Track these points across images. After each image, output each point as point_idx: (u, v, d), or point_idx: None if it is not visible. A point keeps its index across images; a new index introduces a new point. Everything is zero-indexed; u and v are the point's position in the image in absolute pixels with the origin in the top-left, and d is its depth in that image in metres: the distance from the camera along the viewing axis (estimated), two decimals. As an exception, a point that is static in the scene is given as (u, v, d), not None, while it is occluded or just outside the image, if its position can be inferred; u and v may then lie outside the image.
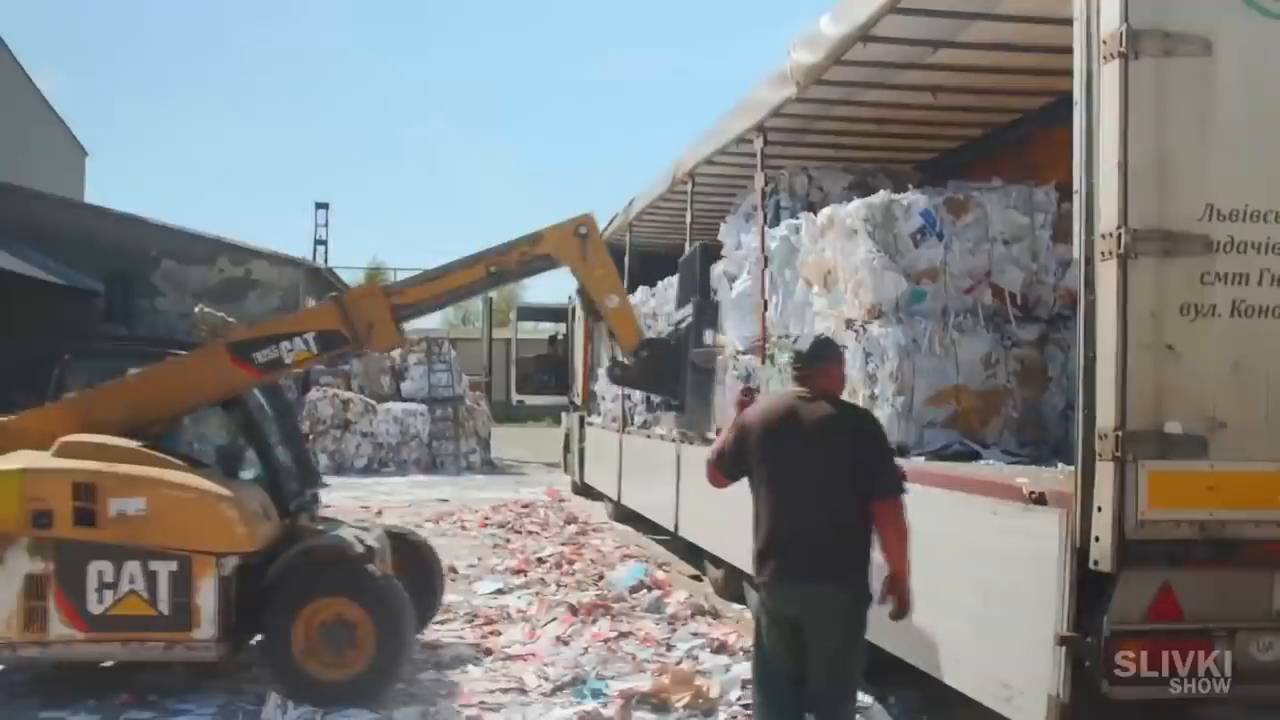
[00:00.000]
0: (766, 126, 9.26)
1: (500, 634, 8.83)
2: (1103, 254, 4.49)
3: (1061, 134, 8.01)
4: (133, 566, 6.64)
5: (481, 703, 7.02)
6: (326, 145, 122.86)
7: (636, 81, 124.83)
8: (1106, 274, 4.47)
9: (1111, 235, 4.44)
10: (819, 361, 5.08)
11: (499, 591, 10.58)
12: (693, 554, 11.68)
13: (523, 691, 7.26)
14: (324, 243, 42.99)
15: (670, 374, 7.11)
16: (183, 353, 7.85)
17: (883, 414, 6.83)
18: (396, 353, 27.16)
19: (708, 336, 6.88)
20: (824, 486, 4.81)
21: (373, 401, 25.09)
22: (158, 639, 6.70)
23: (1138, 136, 4.43)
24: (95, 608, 6.64)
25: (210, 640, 6.70)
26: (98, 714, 6.75)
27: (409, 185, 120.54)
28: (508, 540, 14.09)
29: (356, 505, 17.65)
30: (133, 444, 6.95)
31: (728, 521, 9.55)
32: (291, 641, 6.81)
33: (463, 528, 15.39)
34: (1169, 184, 4.46)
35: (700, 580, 11.08)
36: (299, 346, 7.29)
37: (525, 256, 7.33)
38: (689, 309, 7.16)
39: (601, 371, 16.86)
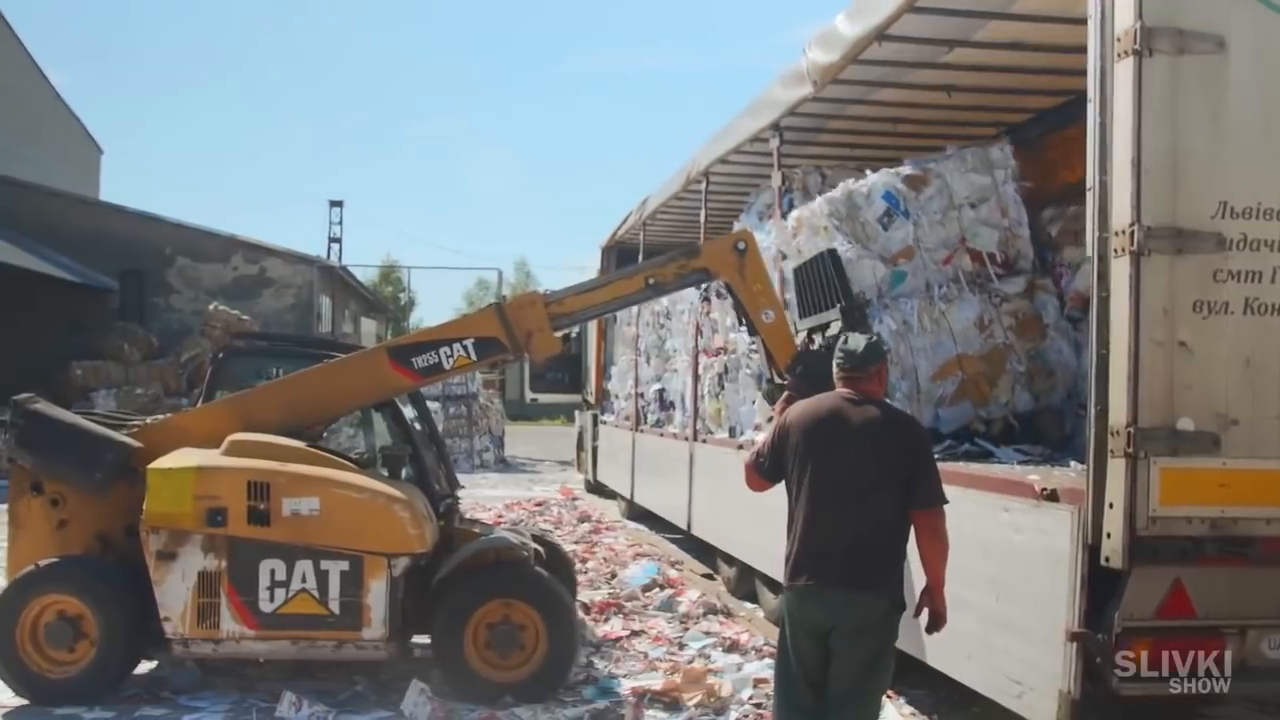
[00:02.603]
0: (782, 125, 9.26)
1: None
2: (1116, 251, 4.50)
3: (1075, 132, 8.06)
4: (304, 565, 6.72)
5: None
6: (340, 143, 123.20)
7: (652, 77, 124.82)
8: (1119, 271, 4.47)
9: (1125, 232, 4.44)
10: (871, 363, 4.97)
11: (512, 589, 10.59)
12: (705, 553, 11.69)
13: (535, 689, 7.27)
14: (338, 240, 43.20)
15: (829, 385, 7.02)
16: (340, 354, 7.93)
17: (893, 402, 6.78)
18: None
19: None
20: (866, 492, 4.70)
21: (386, 400, 25.09)
22: (328, 637, 6.80)
23: (1151, 134, 4.43)
24: (266, 605, 6.74)
25: (380, 640, 6.78)
26: (112, 710, 6.76)
27: (421, 182, 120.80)
28: (521, 538, 14.08)
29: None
30: (300, 444, 7.06)
31: (740, 520, 9.60)
32: (464, 642, 6.90)
33: (475, 525, 15.38)
34: (1182, 181, 4.46)
35: (713, 579, 11.09)
36: (459, 352, 7.33)
37: (683, 269, 7.40)
38: (831, 315, 7.06)
39: (614, 370, 16.91)
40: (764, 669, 7.44)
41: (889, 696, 6.70)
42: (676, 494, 11.93)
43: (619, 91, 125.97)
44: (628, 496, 15.52)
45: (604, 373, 17.72)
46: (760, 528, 8.65)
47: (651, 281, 7.44)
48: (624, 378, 16.11)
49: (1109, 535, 4.42)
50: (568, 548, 12.75)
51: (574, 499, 18.40)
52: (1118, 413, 4.44)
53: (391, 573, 6.75)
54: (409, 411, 8.22)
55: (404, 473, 7.51)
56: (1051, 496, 4.88)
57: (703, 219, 11.75)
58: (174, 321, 27.38)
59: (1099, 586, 4.53)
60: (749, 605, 9.78)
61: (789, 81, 8.82)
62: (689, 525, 11.65)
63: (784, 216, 9.57)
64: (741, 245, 7.31)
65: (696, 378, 11.45)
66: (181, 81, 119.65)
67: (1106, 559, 4.44)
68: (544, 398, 24.43)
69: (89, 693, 6.80)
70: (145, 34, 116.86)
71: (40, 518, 7.11)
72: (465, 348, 7.33)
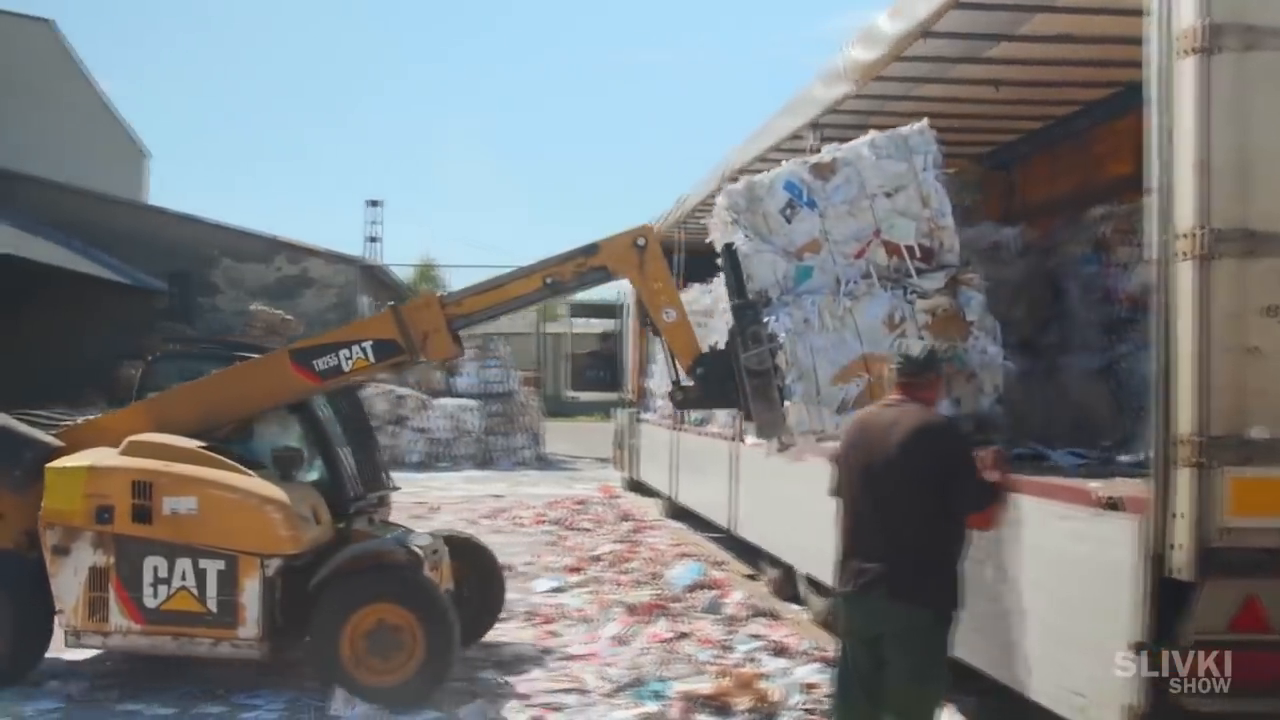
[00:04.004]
0: (821, 124, 9.15)
1: (559, 634, 8.83)
2: (1179, 254, 4.37)
3: (1124, 125, 7.93)
4: (184, 563, 6.86)
5: (544, 703, 7.02)
6: (377, 143, 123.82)
7: (690, 72, 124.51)
8: (1183, 275, 4.35)
9: (1189, 235, 4.32)
10: (929, 371, 4.95)
11: (556, 590, 10.58)
12: (748, 553, 11.60)
13: (583, 692, 7.24)
14: (377, 240, 43.40)
15: (730, 386, 6.79)
16: (254, 356, 7.93)
17: (792, 406, 6.65)
18: (449, 348, 27.28)
19: (756, 337, 6.62)
20: (901, 499, 4.67)
21: (427, 397, 25.22)
22: (206, 635, 6.89)
23: (1219, 133, 4.29)
24: (150, 601, 6.90)
25: (254, 639, 6.86)
26: (172, 708, 6.89)
27: (458, 181, 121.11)
28: (563, 537, 14.11)
29: (412, 501, 17.77)
30: (193, 444, 7.12)
31: (785, 521, 9.52)
32: (339, 646, 6.86)
33: (518, 524, 15.43)
34: (1252, 182, 4.32)
35: (756, 580, 11.00)
36: (357, 354, 7.29)
37: (582, 268, 7.19)
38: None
39: (655, 368, 16.83)
40: (813, 673, 7.38)
41: (944, 705, 6.64)
42: (719, 494, 11.86)
43: (656, 88, 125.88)
44: (668, 495, 15.45)
45: (644, 370, 17.65)
46: (805, 529, 8.58)
47: (549, 281, 7.22)
48: (664, 376, 16.01)
49: (1177, 547, 4.30)
50: (609, 546, 12.82)
51: (614, 497, 18.38)
52: (1183, 421, 4.31)
53: (265, 573, 6.83)
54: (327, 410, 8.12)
55: (316, 474, 7.69)
56: (1113, 505, 4.76)
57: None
58: (219, 321, 27.67)
59: (1165, 598, 4.41)
60: (794, 607, 9.69)
61: (828, 79, 8.72)
62: (732, 525, 11.57)
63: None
64: (641, 241, 7.05)
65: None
66: (223, 86, 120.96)
67: (1173, 571, 4.33)
68: (583, 395, 24.46)
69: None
70: (188, 41, 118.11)
71: None
72: (364, 350, 7.29)
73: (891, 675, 4.69)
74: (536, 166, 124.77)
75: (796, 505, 8.86)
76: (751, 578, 11.14)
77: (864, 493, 4.80)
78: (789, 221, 6.90)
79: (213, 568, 6.85)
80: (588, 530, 14.70)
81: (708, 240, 7.70)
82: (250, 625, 6.85)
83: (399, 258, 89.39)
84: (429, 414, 24.86)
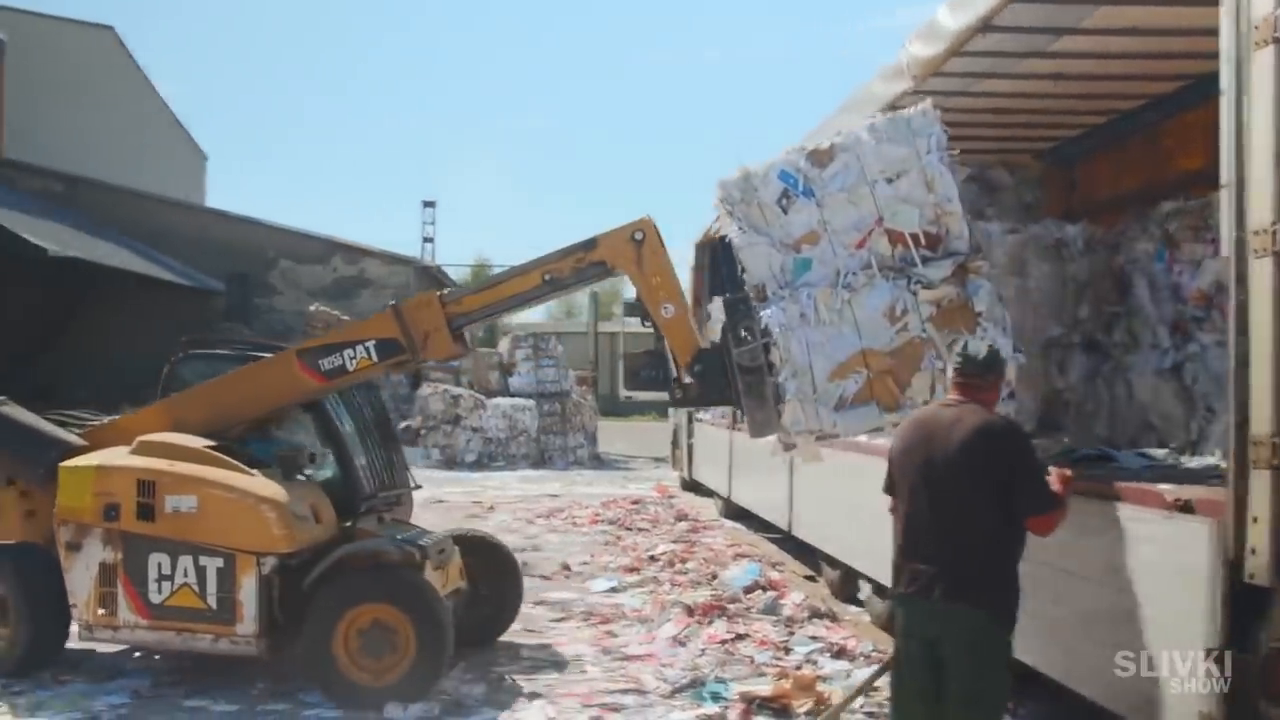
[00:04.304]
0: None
1: (616, 634, 8.83)
2: (1255, 251, 4.26)
3: (1193, 118, 7.76)
4: (186, 561, 7.03)
5: (603, 704, 7.01)
6: (431, 144, 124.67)
7: (750, 66, 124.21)
8: (1260, 273, 4.24)
9: (1265, 231, 4.20)
10: (990, 373, 4.90)
11: (613, 590, 10.59)
12: (806, 554, 11.53)
13: (642, 693, 7.23)
14: (431, 240, 43.67)
15: (725, 383, 6.66)
16: (266, 355, 8.01)
17: (787, 404, 6.41)
18: (504, 347, 27.43)
19: (748, 332, 6.48)
20: (958, 501, 4.63)
21: (482, 396, 25.34)
22: (206, 631, 7.05)
23: (1299, 126, 4.17)
24: (155, 597, 7.09)
25: (251, 636, 6.99)
26: (237, 704, 6.99)
27: (512, 180, 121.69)
28: (619, 537, 14.13)
29: (468, 500, 17.90)
30: (199, 444, 7.29)
31: (844, 522, 9.44)
32: (332, 644, 6.91)
33: (574, 524, 15.46)
34: (1332, 175, 4.20)
35: (815, 581, 10.92)
36: (360, 354, 7.36)
37: (580, 263, 7.09)
38: (715, 308, 6.74)
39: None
40: (873, 676, 7.30)
41: (1009, 710, 6.55)
42: (776, 494, 11.79)
43: (710, 86, 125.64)
44: (725, 495, 15.39)
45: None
46: (864, 530, 8.50)
47: (548, 277, 7.15)
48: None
49: (1254, 551, 4.20)
50: (666, 546, 12.80)
51: (670, 497, 18.35)
52: (1261, 421, 4.20)
53: (261, 571, 6.95)
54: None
55: (329, 473, 7.81)
56: (1186, 508, 4.65)
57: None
58: (277, 322, 28.02)
59: (1241, 603, 4.31)
60: (853, 609, 9.61)
61: (887, 76, 8.63)
62: (790, 526, 11.50)
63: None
64: (639, 235, 6.93)
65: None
66: (279, 87, 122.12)
67: (1252, 576, 4.22)
68: (637, 395, 24.43)
69: (17, 669, 7.35)
70: (244, 43, 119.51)
71: (12, 507, 7.69)
72: (367, 349, 7.35)
73: (952, 679, 4.62)
74: (591, 166, 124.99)
75: (856, 505, 8.77)
76: (810, 579, 11.08)
77: (922, 493, 4.75)
78: (785, 212, 6.56)
79: (212, 565, 7.00)
80: (644, 530, 14.71)
81: (716, 232, 7.50)
82: (248, 622, 6.98)
83: (454, 258, 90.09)
84: (484, 413, 24.97)
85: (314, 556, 7.11)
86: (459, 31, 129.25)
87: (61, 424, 7.95)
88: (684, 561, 11.86)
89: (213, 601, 7.00)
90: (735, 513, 15.09)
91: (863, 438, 8.60)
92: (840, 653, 8.05)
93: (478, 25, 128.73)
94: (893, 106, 8.71)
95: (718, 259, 17.41)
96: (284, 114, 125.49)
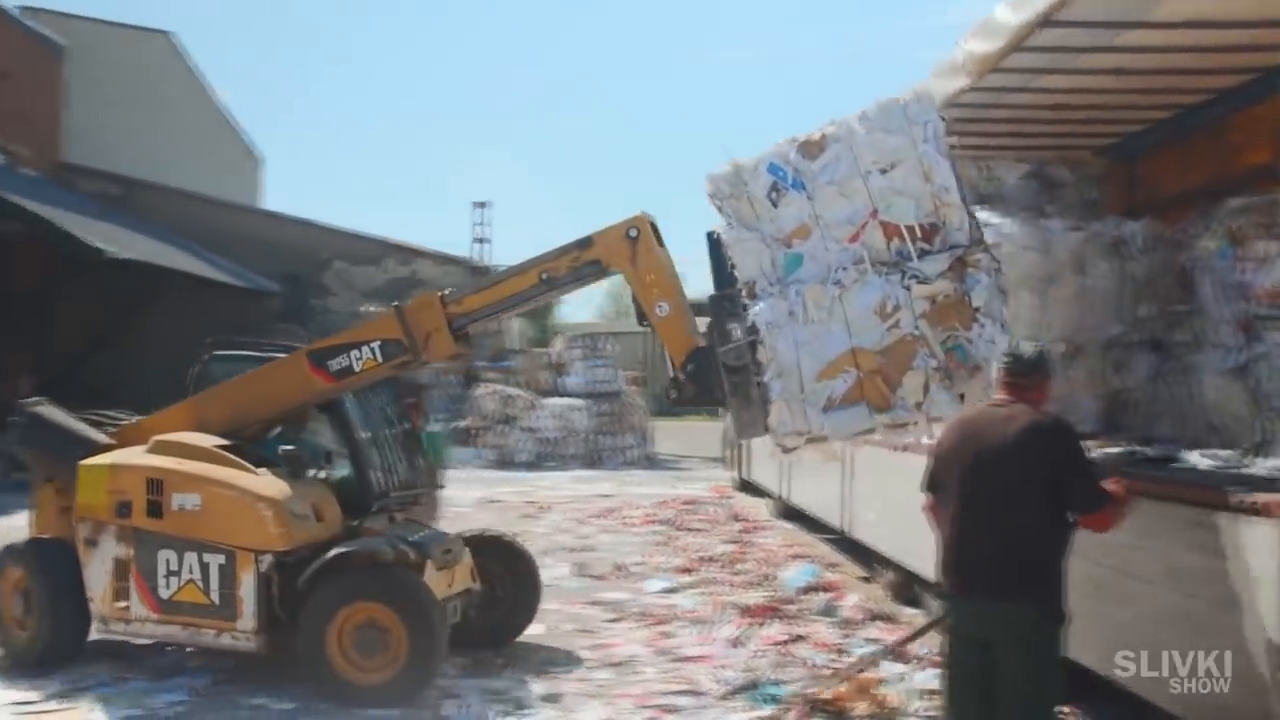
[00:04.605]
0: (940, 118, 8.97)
1: (672, 635, 8.79)
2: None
3: (1261, 111, 7.60)
4: (191, 557, 7.21)
5: (659, 704, 6.99)
6: (484, 144, 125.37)
7: (797, 65, 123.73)
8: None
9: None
10: (1037, 373, 4.87)
11: (668, 590, 10.56)
12: (862, 555, 11.42)
13: (698, 694, 7.20)
14: (485, 241, 43.81)
15: (715, 382, 6.49)
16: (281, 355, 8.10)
17: (773, 404, 6.21)
18: (557, 348, 27.49)
19: (734, 331, 6.30)
20: (1008, 500, 4.59)
21: (535, 397, 25.41)
22: (210, 626, 7.22)
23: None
24: (164, 592, 7.29)
25: (250, 631, 7.12)
26: (294, 702, 7.04)
27: (562, 179, 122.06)
28: (673, 537, 14.10)
29: (521, 500, 17.96)
30: (209, 443, 7.48)
31: (901, 523, 9.34)
32: (326, 642, 6.96)
33: (627, 524, 15.46)
34: None
35: (872, 582, 10.82)
36: (366, 355, 7.40)
37: (576, 262, 7.01)
38: (702, 305, 6.61)
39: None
40: (933, 679, 7.21)
41: (1066, 713, 6.45)
42: (832, 494, 11.71)
43: (759, 81, 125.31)
44: (779, 496, 15.31)
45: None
46: (922, 531, 8.38)
47: (545, 276, 7.09)
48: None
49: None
50: (721, 547, 12.77)
51: (724, 497, 18.29)
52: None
53: (259, 568, 7.08)
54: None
55: (343, 472, 7.94)
56: (1255, 511, 4.55)
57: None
58: (331, 322, 28.21)
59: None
60: (910, 611, 9.51)
61: (944, 73, 8.52)
62: (845, 527, 11.42)
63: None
64: (634, 232, 6.80)
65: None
66: (331, 91, 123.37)
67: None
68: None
69: (40, 660, 7.59)
70: (297, 47, 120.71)
71: (50, 502, 7.98)
72: (372, 350, 7.38)
73: (1003, 678, 4.59)
74: (639, 166, 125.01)
75: (913, 506, 8.67)
76: (866, 580, 10.97)
77: (970, 492, 4.72)
78: (775, 206, 6.31)
79: (214, 562, 7.16)
80: (698, 530, 14.67)
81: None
82: (247, 618, 7.11)
83: (508, 259, 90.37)
84: (537, 414, 25.06)
85: (313, 555, 7.16)
86: (511, 32, 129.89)
87: (96, 424, 8.14)
88: (739, 562, 11.82)
89: (215, 597, 7.16)
90: (789, 513, 15.01)
91: (923, 438, 8.53)
92: (898, 655, 7.94)
93: (529, 26, 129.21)
94: (949, 104, 8.63)
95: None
96: (336, 116, 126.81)
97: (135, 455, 7.55)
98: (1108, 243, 8.33)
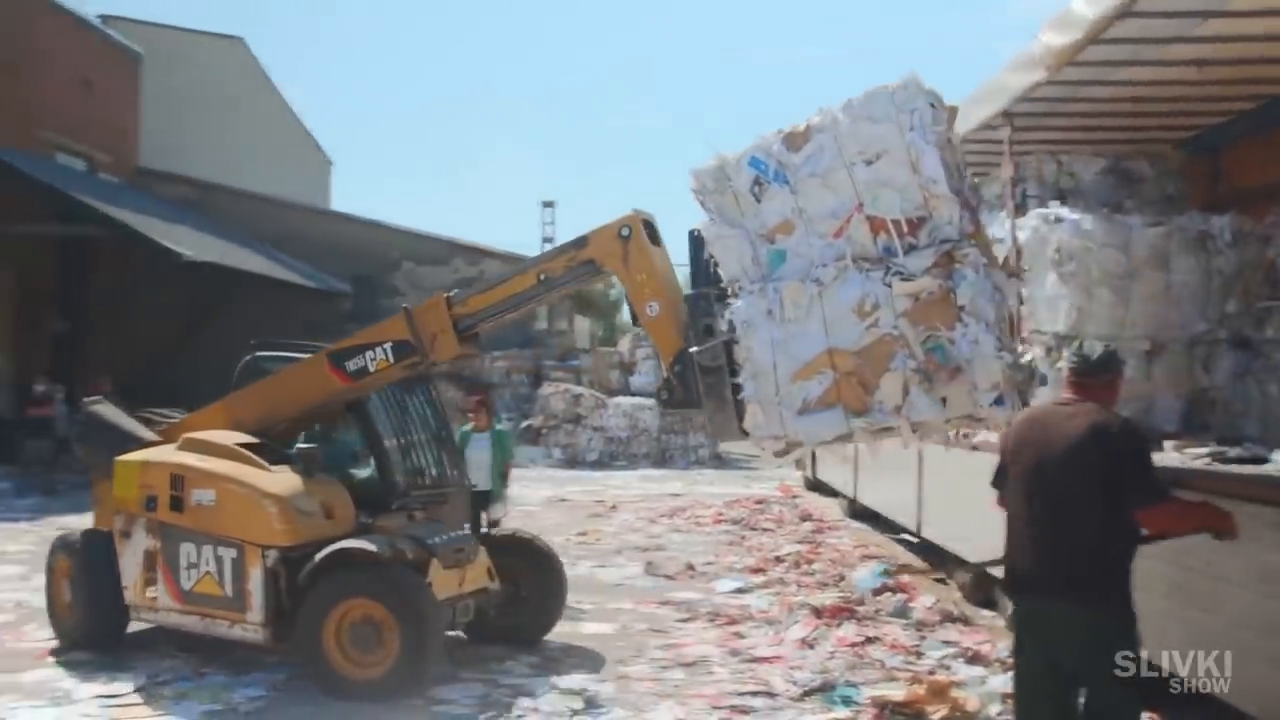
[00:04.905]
0: (1013, 112, 8.84)
1: (743, 635, 8.75)
2: None
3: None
4: (208, 550, 7.49)
5: (732, 705, 6.95)
6: (550, 144, 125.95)
7: (855, 64, 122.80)
8: None
9: None
10: (1105, 372, 4.77)
11: (739, 590, 10.52)
12: (935, 555, 11.28)
13: (771, 695, 7.15)
14: (552, 240, 44.06)
15: (691, 383, 6.34)
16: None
17: (747, 406, 6.00)
18: (625, 347, 27.51)
19: (709, 330, 6.17)
20: (1070, 500, 4.52)
21: (603, 396, 25.47)
22: (224, 617, 7.45)
23: None
24: (186, 583, 7.58)
25: (259, 624, 7.32)
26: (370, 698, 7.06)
27: (627, 176, 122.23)
28: (743, 537, 14.04)
29: (589, 499, 18.00)
30: (232, 440, 7.76)
31: (976, 523, 9.20)
32: (322, 638, 7.07)
33: (697, 524, 15.42)
34: None
35: (945, 584, 10.69)
36: (379, 356, 7.50)
37: (572, 262, 6.98)
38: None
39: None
40: (1010, 683, 7.11)
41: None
42: (904, 494, 11.58)
43: (826, 78, 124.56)
44: (850, 495, 15.18)
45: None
46: (998, 531, 8.28)
47: (542, 277, 7.07)
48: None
49: None
50: (791, 547, 12.68)
51: (794, 497, 18.18)
52: None
53: (265, 562, 7.27)
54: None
55: (367, 470, 8.13)
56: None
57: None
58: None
59: None
60: (986, 613, 9.39)
61: (1020, 66, 8.40)
62: (918, 527, 11.28)
63: (1017, 207, 9.16)
64: (626, 231, 6.71)
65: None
66: (399, 93, 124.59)
67: None
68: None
69: (82, 645, 8.03)
70: (365, 49, 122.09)
71: (105, 496, 8.15)
72: (385, 351, 7.48)
73: (1075, 681, 4.53)
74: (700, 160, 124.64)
75: (989, 507, 8.56)
76: (940, 581, 10.84)
77: (1034, 491, 4.66)
78: (758, 200, 6.02)
79: (227, 555, 7.41)
80: (768, 530, 14.59)
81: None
82: (256, 611, 7.31)
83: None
84: (605, 413, 25.09)
85: (319, 550, 7.29)
86: (582, 30, 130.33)
87: (150, 422, 8.47)
88: (810, 562, 11.73)
89: (229, 589, 7.40)
90: (860, 513, 14.88)
91: (986, 436, 8.39)
92: (975, 658, 7.84)
93: (604, 22, 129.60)
94: (1024, 97, 8.51)
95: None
96: (404, 118, 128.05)
97: (163, 452, 7.89)
98: (1191, 238, 8.17)
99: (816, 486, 18.30)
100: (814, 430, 5.88)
